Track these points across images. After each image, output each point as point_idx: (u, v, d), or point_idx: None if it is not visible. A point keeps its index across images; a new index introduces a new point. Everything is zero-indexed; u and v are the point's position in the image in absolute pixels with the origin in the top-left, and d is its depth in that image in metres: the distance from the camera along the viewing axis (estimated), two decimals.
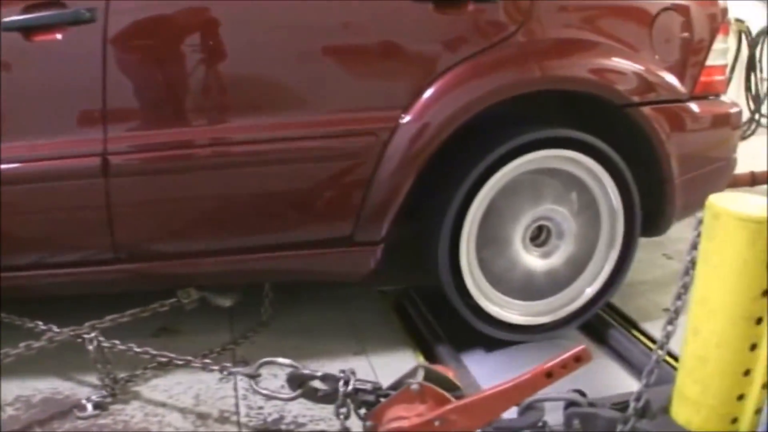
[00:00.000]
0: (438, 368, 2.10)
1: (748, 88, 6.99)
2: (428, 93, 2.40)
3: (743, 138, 6.73)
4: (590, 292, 2.80)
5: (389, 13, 2.42)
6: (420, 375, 1.98)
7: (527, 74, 2.52)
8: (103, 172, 2.33)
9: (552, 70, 2.55)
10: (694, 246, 1.75)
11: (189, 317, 2.89)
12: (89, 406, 2.34)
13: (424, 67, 2.43)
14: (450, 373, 2.08)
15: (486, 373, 2.59)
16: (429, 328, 2.89)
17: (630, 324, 2.97)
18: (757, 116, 7.02)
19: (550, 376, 1.87)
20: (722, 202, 1.66)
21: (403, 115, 2.40)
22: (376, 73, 2.45)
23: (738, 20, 6.67)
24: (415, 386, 1.93)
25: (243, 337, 2.87)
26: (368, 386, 2.04)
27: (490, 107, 2.47)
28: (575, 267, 2.78)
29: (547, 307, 2.79)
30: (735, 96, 6.70)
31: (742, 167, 4.37)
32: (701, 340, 1.73)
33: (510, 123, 2.58)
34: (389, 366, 2.59)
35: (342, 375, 2.05)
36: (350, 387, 2.02)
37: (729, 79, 6.75)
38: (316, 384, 2.11)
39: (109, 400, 2.40)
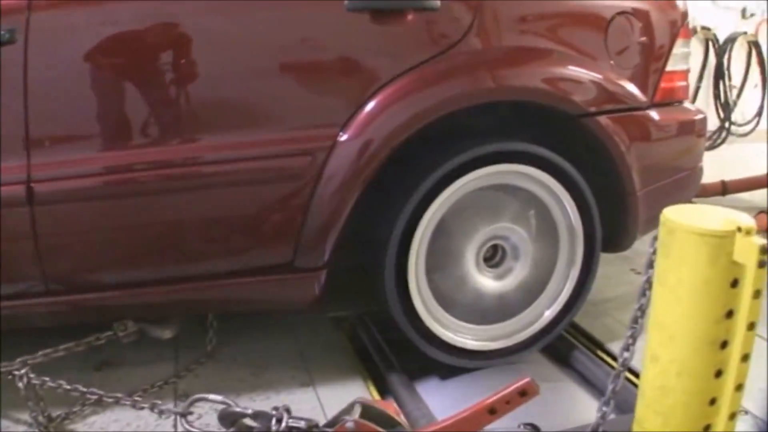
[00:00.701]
0: (379, 404, 1.95)
1: (716, 96, 6.88)
2: (367, 108, 2.22)
3: (713, 147, 6.62)
4: (550, 314, 2.64)
5: (321, 26, 2.23)
6: (356, 412, 1.83)
7: (473, 85, 2.36)
8: (28, 200, 2.12)
9: (499, 81, 2.39)
10: (650, 264, 1.59)
11: (133, 349, 2.74)
12: None
13: (363, 82, 2.26)
14: (391, 409, 1.92)
15: (442, 402, 2.43)
16: (382, 355, 2.71)
17: (595, 345, 2.81)
18: (726, 124, 6.90)
19: (493, 412, 1.71)
20: (678, 215, 1.49)
21: (341, 133, 2.21)
22: (310, 90, 2.26)
23: (705, 28, 6.57)
24: (349, 424, 1.80)
25: (186, 370, 2.70)
26: (302, 424, 1.90)
27: (436, 121, 2.29)
28: (533, 288, 2.61)
29: (505, 331, 2.61)
30: (704, 104, 6.59)
31: (713, 176, 4.25)
32: (661, 368, 1.56)
33: (458, 137, 2.40)
34: (338, 397, 2.42)
35: (275, 413, 1.89)
36: (283, 425, 1.88)
37: (698, 88, 6.66)
38: (249, 422, 1.95)
39: None
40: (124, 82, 2.19)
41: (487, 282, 2.56)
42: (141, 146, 2.20)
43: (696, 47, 6.42)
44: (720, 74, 6.87)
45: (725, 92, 6.91)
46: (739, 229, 1.41)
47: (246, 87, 2.21)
